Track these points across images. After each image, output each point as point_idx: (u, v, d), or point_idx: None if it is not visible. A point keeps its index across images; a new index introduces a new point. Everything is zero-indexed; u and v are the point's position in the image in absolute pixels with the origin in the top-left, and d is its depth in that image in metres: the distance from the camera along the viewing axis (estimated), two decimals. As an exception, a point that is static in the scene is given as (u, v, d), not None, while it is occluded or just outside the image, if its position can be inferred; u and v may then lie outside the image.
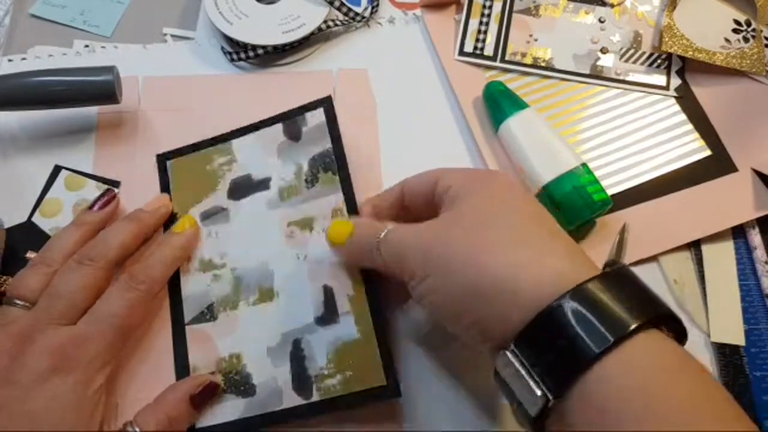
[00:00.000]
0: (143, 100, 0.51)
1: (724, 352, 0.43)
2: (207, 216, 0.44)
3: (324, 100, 0.45)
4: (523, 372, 0.29)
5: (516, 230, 0.33)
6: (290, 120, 0.46)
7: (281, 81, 0.52)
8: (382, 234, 0.36)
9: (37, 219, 0.46)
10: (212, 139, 0.47)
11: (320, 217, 0.42)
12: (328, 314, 0.39)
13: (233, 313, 0.41)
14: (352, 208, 0.42)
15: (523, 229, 0.33)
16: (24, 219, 0.46)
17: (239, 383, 0.39)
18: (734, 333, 0.44)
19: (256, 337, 0.40)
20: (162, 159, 0.47)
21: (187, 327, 0.41)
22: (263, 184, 0.44)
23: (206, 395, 0.38)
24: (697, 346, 0.44)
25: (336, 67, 0.53)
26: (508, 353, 0.30)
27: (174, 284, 0.43)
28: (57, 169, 0.48)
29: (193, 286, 0.42)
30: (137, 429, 0.36)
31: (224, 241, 0.43)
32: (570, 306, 0.29)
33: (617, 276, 0.31)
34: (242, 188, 0.45)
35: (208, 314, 0.41)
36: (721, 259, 0.46)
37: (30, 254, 0.44)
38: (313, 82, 0.52)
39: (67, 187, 0.47)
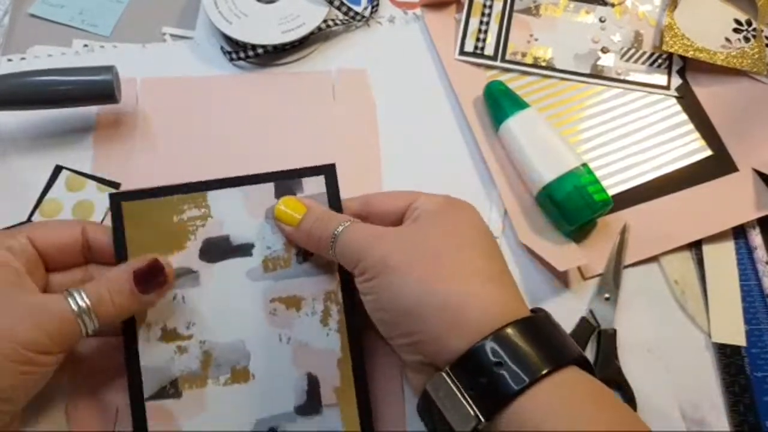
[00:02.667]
0: (142, 99, 0.51)
1: (725, 352, 0.43)
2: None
3: (326, 167, 0.41)
4: (457, 393, 0.32)
5: (471, 263, 0.35)
6: (283, 181, 0.41)
7: (281, 81, 0.52)
8: (339, 229, 0.37)
9: (36, 219, 0.46)
10: (181, 185, 0.40)
11: (310, 298, 0.39)
12: (311, 404, 0.38)
13: (200, 391, 0.38)
14: (349, 296, 0.39)
15: (478, 262, 0.35)
16: (24, 219, 0.46)
17: None
18: (735, 333, 0.44)
19: (227, 419, 0.38)
20: (115, 199, 0.40)
21: (147, 403, 0.37)
22: (244, 250, 0.40)
23: (151, 274, 0.36)
24: (698, 347, 0.44)
25: (335, 66, 0.53)
26: (444, 375, 0.32)
27: (131, 352, 0.38)
28: (58, 169, 0.48)
29: (154, 357, 0.38)
30: (83, 294, 0.34)
31: (192, 308, 0.39)
32: (504, 340, 0.32)
33: (543, 319, 0.35)
34: (218, 250, 0.40)
35: (171, 390, 0.38)
36: (722, 259, 0.46)
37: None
38: (313, 82, 0.52)
39: (67, 187, 0.47)
